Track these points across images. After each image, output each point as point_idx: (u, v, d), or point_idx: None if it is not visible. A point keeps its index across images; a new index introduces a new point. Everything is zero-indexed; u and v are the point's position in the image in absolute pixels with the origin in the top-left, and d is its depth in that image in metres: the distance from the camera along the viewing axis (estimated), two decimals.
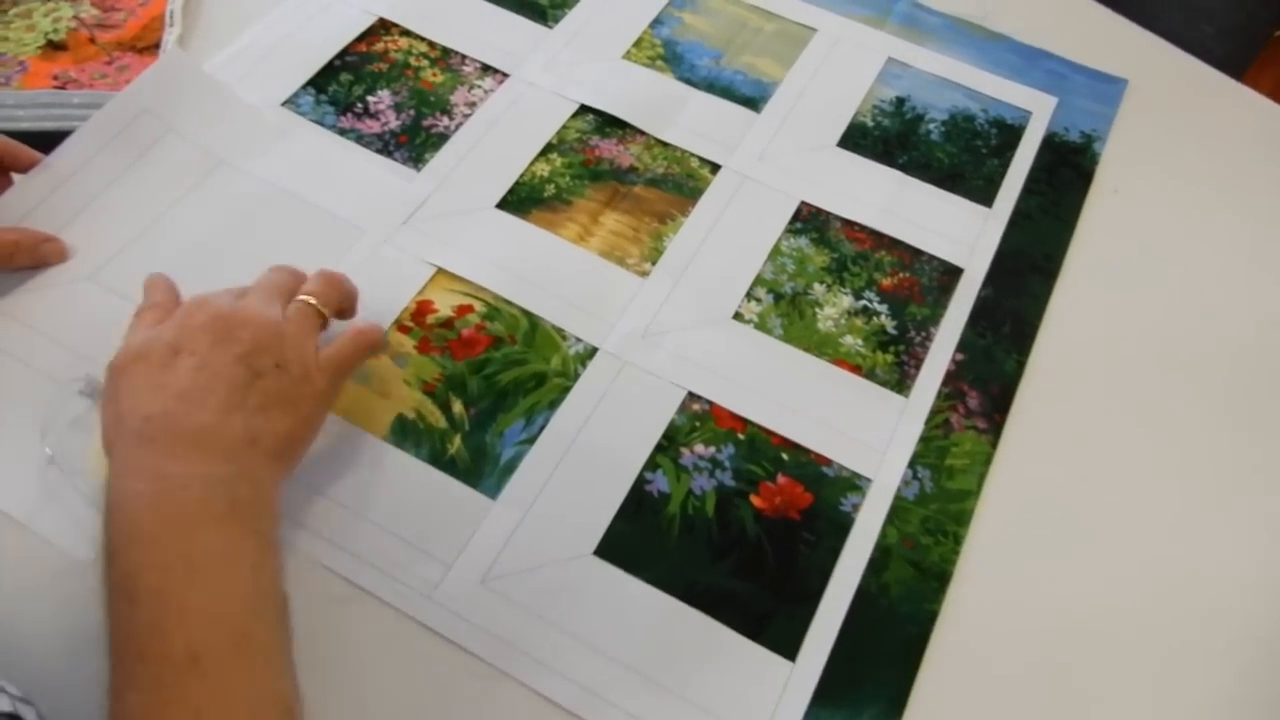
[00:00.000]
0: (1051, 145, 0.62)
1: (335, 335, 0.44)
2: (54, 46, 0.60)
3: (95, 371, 0.45)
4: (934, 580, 0.45)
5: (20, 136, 0.53)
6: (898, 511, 0.46)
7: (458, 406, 0.48)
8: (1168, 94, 0.66)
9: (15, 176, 0.52)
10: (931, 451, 0.49)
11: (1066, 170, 0.61)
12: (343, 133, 0.57)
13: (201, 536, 0.35)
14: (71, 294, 0.49)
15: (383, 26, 0.63)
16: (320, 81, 0.60)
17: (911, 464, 0.48)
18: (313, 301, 0.43)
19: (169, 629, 0.33)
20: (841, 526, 0.46)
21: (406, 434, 0.46)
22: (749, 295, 0.53)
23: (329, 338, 0.44)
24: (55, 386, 0.45)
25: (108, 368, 0.40)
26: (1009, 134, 0.62)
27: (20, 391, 0.46)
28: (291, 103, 0.58)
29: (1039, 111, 0.64)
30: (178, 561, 0.34)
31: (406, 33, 0.63)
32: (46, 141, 0.53)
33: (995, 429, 0.50)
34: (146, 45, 0.61)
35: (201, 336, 0.39)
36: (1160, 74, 0.66)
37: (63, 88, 0.58)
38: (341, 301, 0.45)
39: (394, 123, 0.58)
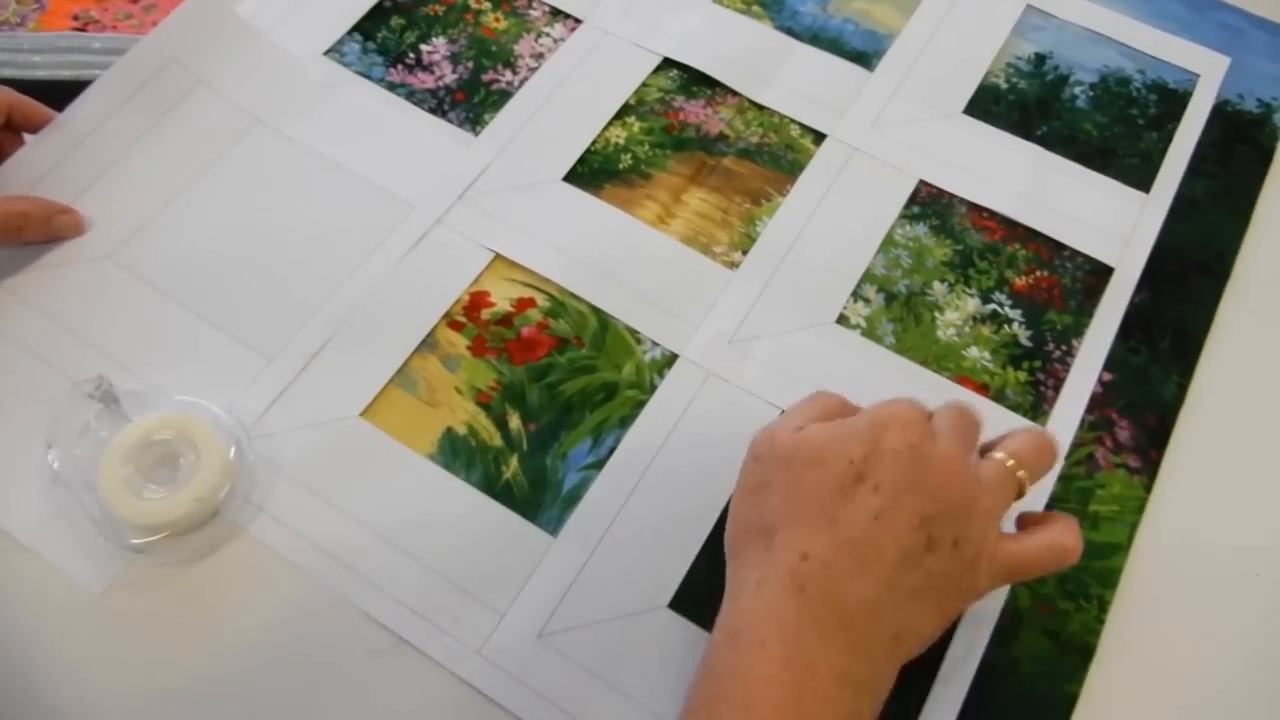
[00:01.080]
0: (1223, 116, 0.52)
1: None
2: None
3: (109, 371, 0.40)
4: (1074, 655, 0.37)
5: (35, 85, 0.48)
6: None
7: (515, 421, 0.41)
8: None
9: (26, 136, 0.46)
10: (1072, 494, 0.41)
11: (1241, 147, 0.51)
12: (392, 87, 0.50)
13: None
14: (88, 274, 0.44)
15: None
16: (368, 26, 0.52)
17: (1048, 509, 0.40)
18: (1015, 467, 0.34)
19: None
20: None
21: (457, 452, 0.40)
22: (856, 294, 0.45)
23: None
24: (64, 388, 0.40)
25: (767, 440, 0.34)
26: (1171, 101, 0.52)
27: (28, 387, 0.41)
28: (335, 51, 0.51)
29: (1208, 74, 0.53)
30: None
31: None
32: (64, 92, 0.47)
33: (1150, 469, 0.42)
34: None
35: (893, 469, 0.32)
36: None
37: (83, 29, 0.52)
38: (1045, 470, 0.35)
39: (450, 76, 0.51)
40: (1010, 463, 0.34)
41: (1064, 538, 0.34)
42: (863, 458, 0.32)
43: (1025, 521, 0.36)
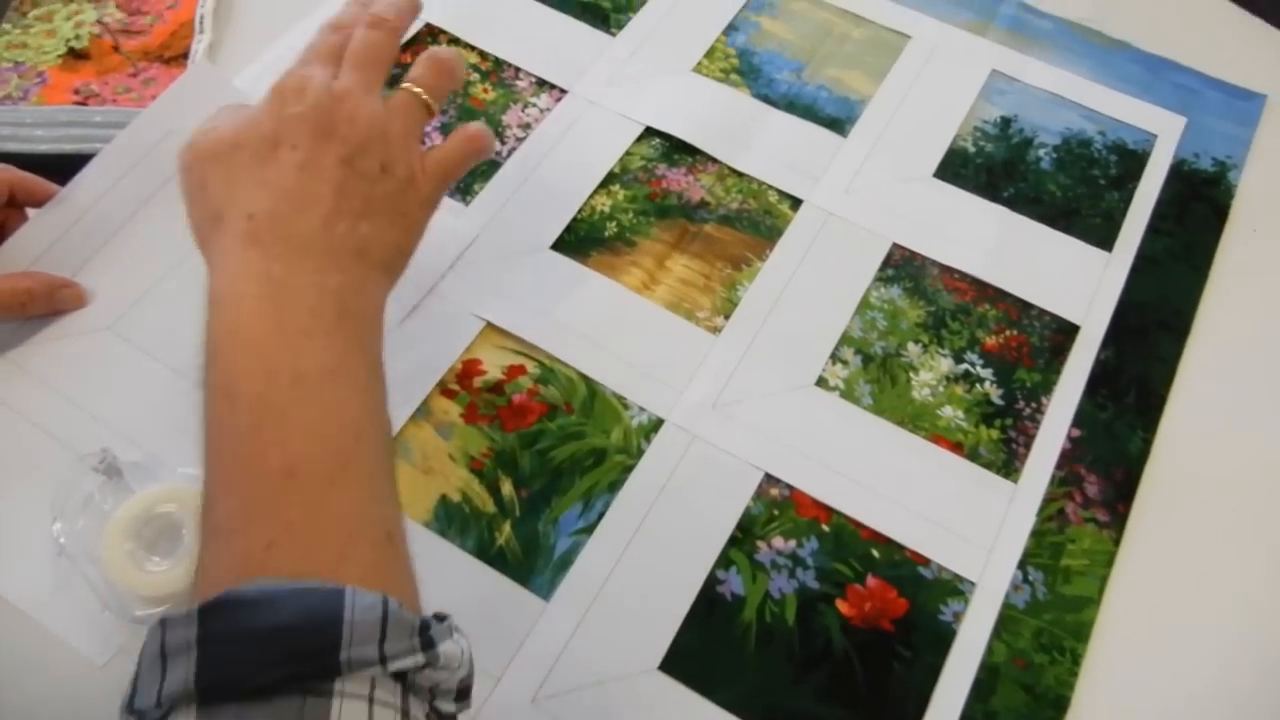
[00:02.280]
0: (1180, 175, 0.54)
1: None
2: (75, 55, 0.55)
3: (112, 442, 0.41)
4: (1049, 708, 0.39)
5: (38, 159, 0.49)
6: (1006, 622, 0.41)
7: (508, 487, 0.43)
8: None
9: (30, 211, 0.47)
10: (1044, 549, 0.43)
11: (1198, 205, 0.53)
12: None
13: (310, 348, 0.32)
14: (90, 346, 0.45)
15: (430, 34, 0.57)
16: None
17: (1021, 564, 0.42)
18: (419, 93, 0.39)
19: (268, 439, 0.30)
20: (942, 639, 0.40)
21: (451, 519, 0.42)
22: (834, 357, 0.47)
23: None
24: (69, 460, 0.41)
25: (188, 151, 0.37)
26: (1131, 161, 0.55)
27: (33, 459, 0.42)
28: None
29: (1165, 134, 0.56)
30: (284, 371, 0.31)
31: (455, 40, 0.57)
32: (66, 164, 0.48)
33: (1118, 522, 0.43)
34: (174, 54, 0.56)
35: (301, 129, 0.35)
36: None
37: (84, 103, 0.54)
38: (450, 90, 0.41)
39: None
40: (415, 90, 0.39)
41: (468, 129, 0.41)
42: (273, 129, 0.35)
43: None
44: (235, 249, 0.34)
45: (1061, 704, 0.39)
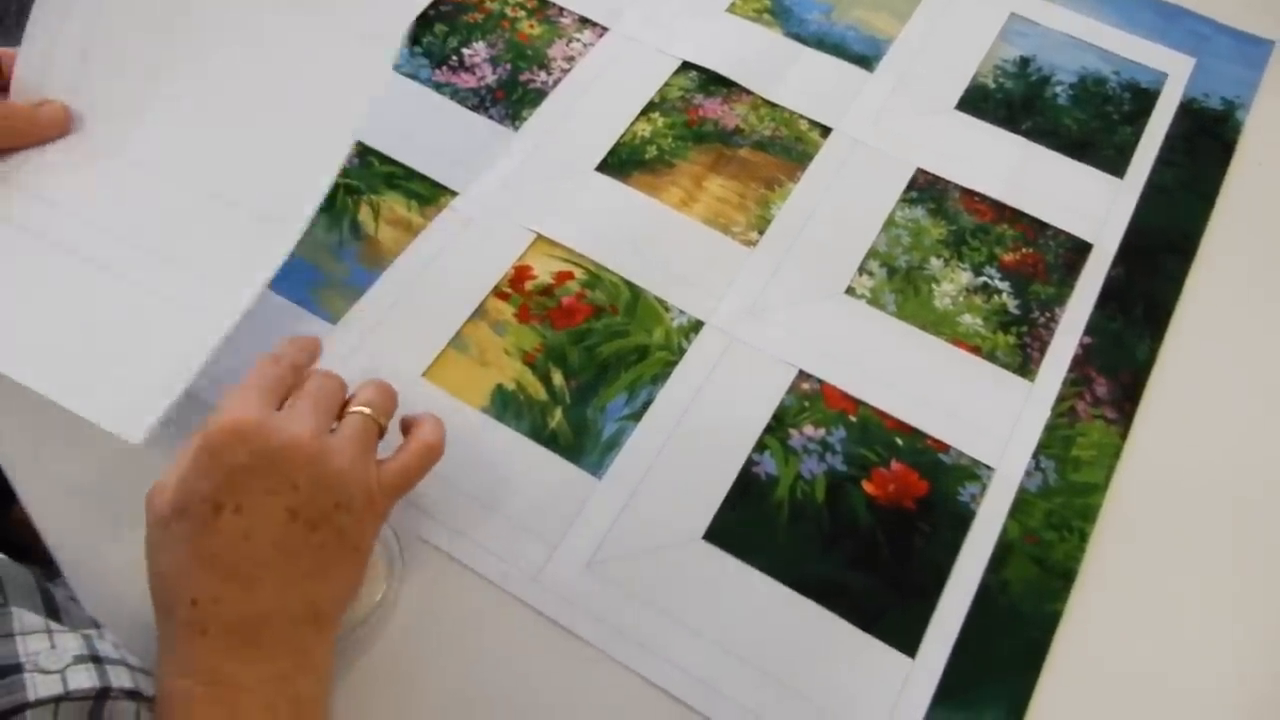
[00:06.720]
0: (1189, 112, 0.57)
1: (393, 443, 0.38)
2: None
3: None
4: (1058, 579, 0.42)
5: None
6: (1020, 504, 0.44)
7: (558, 378, 0.46)
8: None
9: None
10: (1056, 441, 0.46)
11: (1206, 140, 0.56)
12: (438, 87, 0.55)
13: None
14: None
15: None
16: (414, 32, 0.58)
17: (1035, 454, 0.45)
18: (370, 413, 0.37)
19: None
20: (960, 518, 0.43)
21: (507, 406, 0.45)
22: (861, 269, 0.50)
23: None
24: None
25: (148, 499, 0.34)
26: (1143, 99, 0.58)
27: None
28: None
29: (1176, 74, 0.59)
30: None
31: None
32: None
33: (1125, 419, 0.47)
34: None
35: (245, 484, 0.32)
36: None
37: None
38: (394, 408, 0.39)
39: (490, 77, 0.56)
40: (366, 410, 0.36)
41: (425, 436, 0.37)
42: (214, 488, 0.32)
43: (404, 424, 0.39)
44: (183, 638, 0.32)
45: (1070, 575, 0.42)
